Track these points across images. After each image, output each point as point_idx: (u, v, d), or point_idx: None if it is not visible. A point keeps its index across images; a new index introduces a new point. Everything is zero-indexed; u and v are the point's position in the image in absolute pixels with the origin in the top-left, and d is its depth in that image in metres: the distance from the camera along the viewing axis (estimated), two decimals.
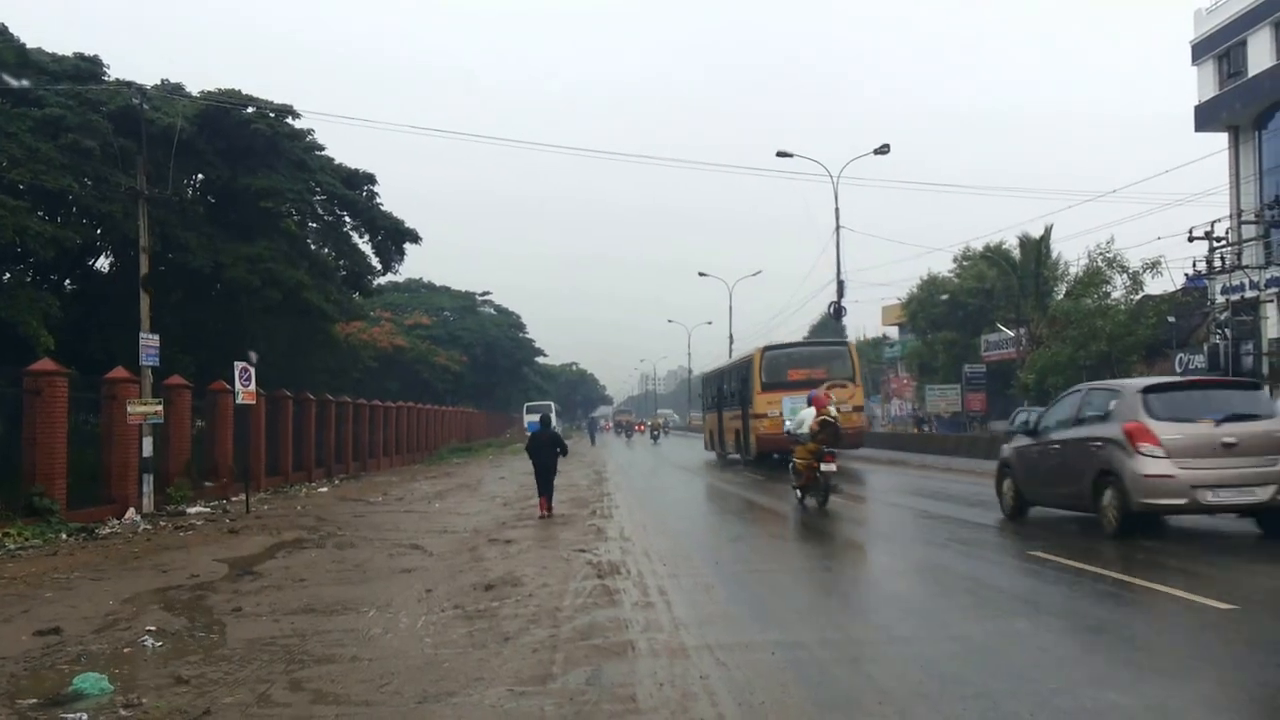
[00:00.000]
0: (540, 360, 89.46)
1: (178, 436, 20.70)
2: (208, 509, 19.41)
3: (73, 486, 16.55)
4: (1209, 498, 10.89)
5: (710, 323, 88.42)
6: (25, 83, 21.73)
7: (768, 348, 30.28)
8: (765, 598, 9.34)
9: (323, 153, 30.05)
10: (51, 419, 16.03)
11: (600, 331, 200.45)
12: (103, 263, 26.73)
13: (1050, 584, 9.42)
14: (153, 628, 8.27)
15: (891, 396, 73.02)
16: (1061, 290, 42.34)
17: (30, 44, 23.00)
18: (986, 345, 48.48)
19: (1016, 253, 45.85)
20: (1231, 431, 10.96)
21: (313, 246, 30.88)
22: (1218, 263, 31.84)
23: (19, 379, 16.05)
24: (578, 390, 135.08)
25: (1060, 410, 13.34)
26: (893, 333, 75.51)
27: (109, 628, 8.40)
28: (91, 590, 10.39)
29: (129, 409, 17.72)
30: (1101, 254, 35.91)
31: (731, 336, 66.36)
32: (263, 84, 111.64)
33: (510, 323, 76.40)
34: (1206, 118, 35.36)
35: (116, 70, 24.69)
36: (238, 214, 26.90)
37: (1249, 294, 31.70)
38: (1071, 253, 68.81)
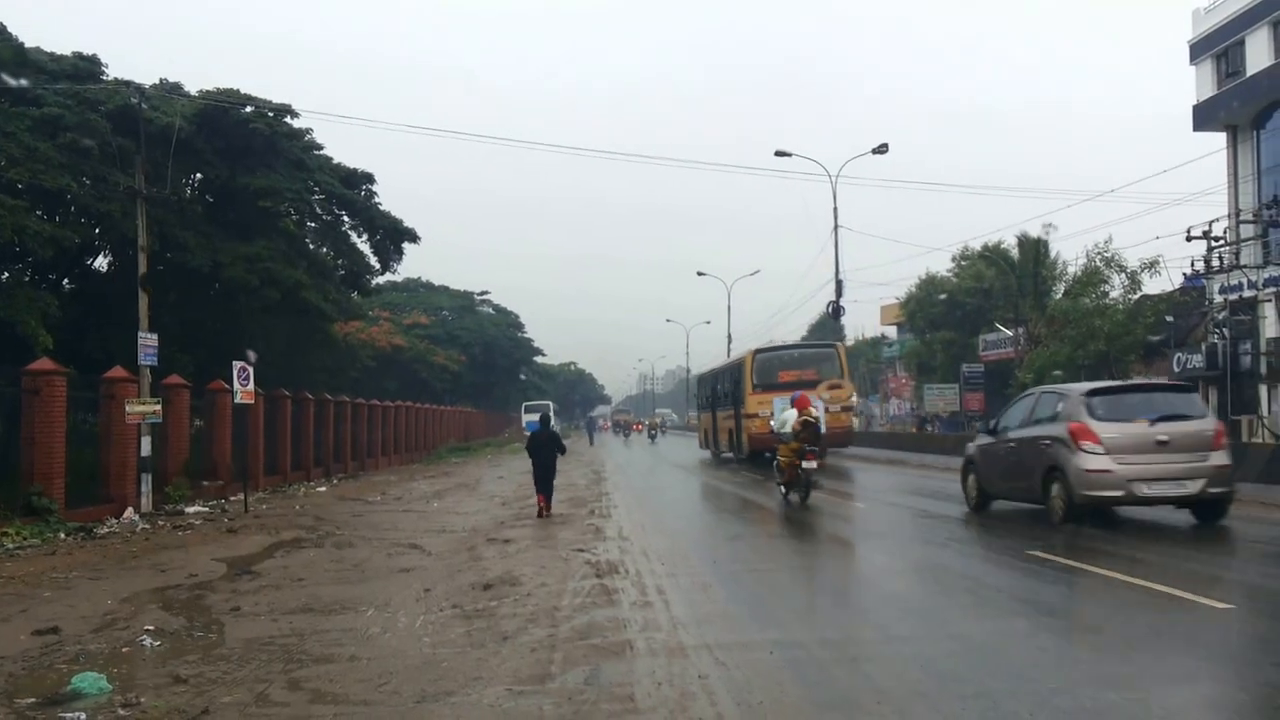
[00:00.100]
0: (539, 360, 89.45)
1: (176, 436, 20.69)
2: (206, 508, 19.40)
3: (71, 486, 16.53)
4: (1144, 490, 11.99)
5: (709, 322, 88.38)
6: (24, 82, 21.71)
7: (759, 350, 31.11)
8: (763, 597, 9.35)
9: (321, 152, 30.07)
10: (50, 418, 16.02)
11: (599, 331, 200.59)
12: (101, 262, 26.77)
13: (1049, 583, 9.43)
14: (151, 627, 8.27)
15: (890, 396, 73.12)
16: (1060, 290, 42.34)
17: (29, 43, 22.98)
18: (985, 345, 48.50)
19: (1015, 252, 45.87)
20: (1165, 430, 12.05)
21: (311, 246, 30.88)
22: (1216, 262, 31.82)
23: (17, 378, 16.04)
24: (576, 390, 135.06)
25: (1016, 412, 14.46)
26: (891, 332, 75.58)
27: (107, 627, 8.40)
28: (90, 590, 10.38)
29: (127, 408, 17.71)
30: (1100, 253, 35.92)
31: (730, 336, 66.36)
32: (262, 84, 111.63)
33: (508, 322, 76.41)
34: (1205, 117, 35.37)
35: (115, 70, 24.72)
36: (236, 213, 26.89)
37: (1247, 293, 31.70)
38: (1070, 252, 68.84)
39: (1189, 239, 31.71)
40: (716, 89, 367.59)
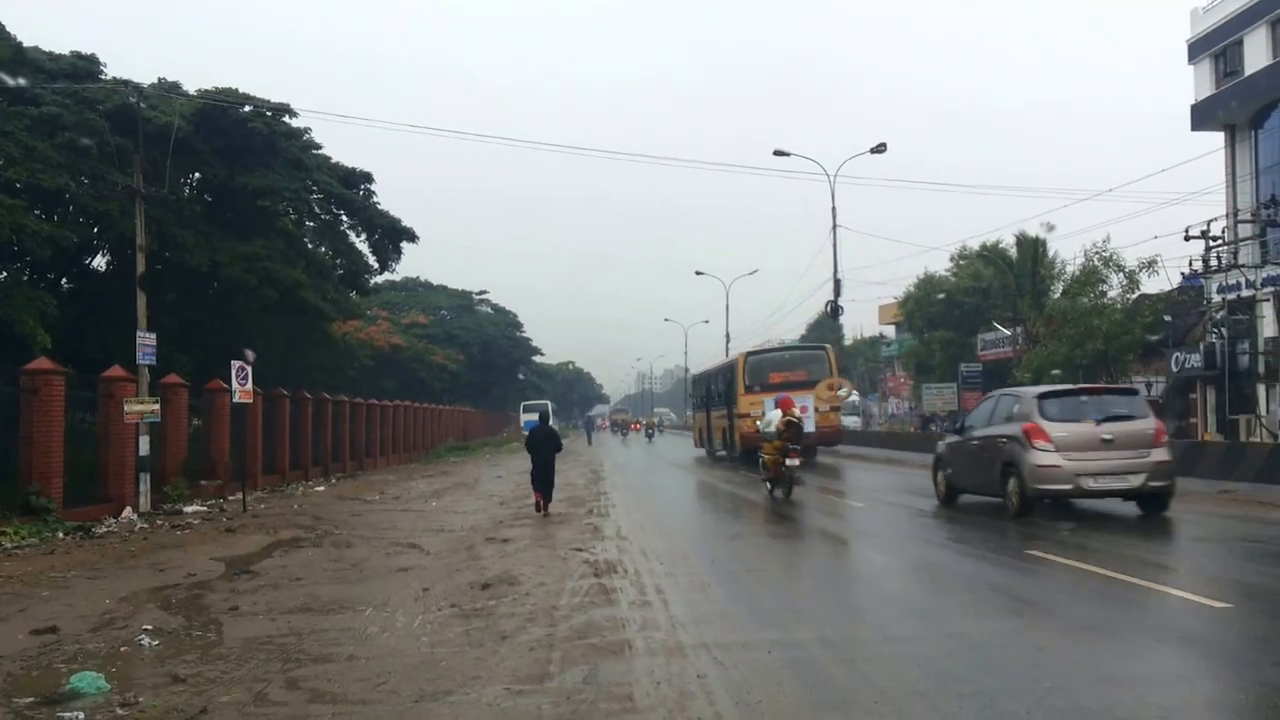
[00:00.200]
0: (537, 359, 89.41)
1: (174, 435, 20.69)
2: (204, 508, 19.40)
3: (69, 485, 16.53)
4: (1090, 484, 13.10)
5: (707, 321, 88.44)
6: (22, 81, 21.70)
7: (751, 352, 32.37)
8: (761, 596, 9.35)
9: (320, 152, 30.07)
10: (48, 418, 16.01)
11: (597, 330, 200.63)
12: (99, 261, 26.77)
13: (1047, 582, 9.45)
14: (149, 626, 8.26)
15: (888, 395, 73.15)
16: (1058, 289, 42.36)
17: (27, 43, 22.97)
18: (983, 344, 48.53)
19: (1013, 252, 45.89)
20: (1110, 430, 13.17)
21: (310, 245, 30.87)
22: (1214, 262, 31.83)
23: (16, 378, 16.03)
24: (574, 389, 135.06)
25: (981, 412, 15.74)
26: (889, 332, 75.64)
27: (106, 626, 8.40)
28: (88, 589, 10.38)
29: (126, 408, 17.71)
30: (1098, 253, 35.94)
31: (728, 335, 66.37)
32: (262, 84, 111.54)
33: (507, 321, 76.37)
34: (1203, 116, 35.37)
35: (114, 69, 24.73)
36: (234, 213, 26.89)
37: (1245, 293, 31.71)
38: (1069, 251, 68.82)
39: (1187, 238, 31.72)
40: (716, 89, 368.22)
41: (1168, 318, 35.96)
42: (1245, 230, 32.14)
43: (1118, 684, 5.83)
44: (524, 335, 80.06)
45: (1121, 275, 35.42)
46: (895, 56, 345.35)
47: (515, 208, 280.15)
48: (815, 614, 8.39)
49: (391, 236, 32.28)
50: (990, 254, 46.91)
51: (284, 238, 28.27)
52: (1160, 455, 13.34)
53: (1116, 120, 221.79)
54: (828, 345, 34.49)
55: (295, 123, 28.23)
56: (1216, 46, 34.83)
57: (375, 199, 31.85)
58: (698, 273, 69.92)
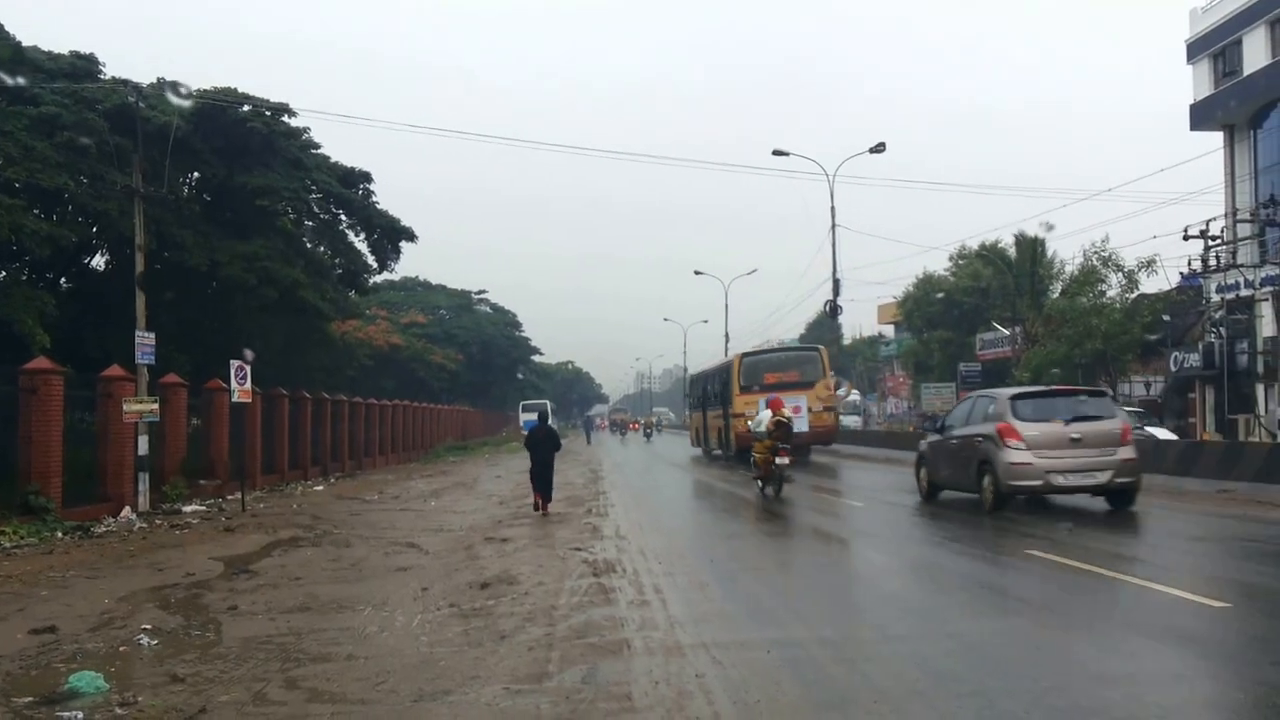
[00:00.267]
0: (536, 359, 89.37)
1: (173, 435, 20.68)
2: (203, 507, 19.39)
3: (68, 485, 16.52)
4: (1059, 480, 13.72)
5: (706, 321, 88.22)
6: (21, 81, 21.69)
7: (745, 354, 33.21)
8: (760, 596, 9.36)
9: (319, 151, 30.06)
10: (47, 417, 16.01)
11: (596, 330, 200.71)
12: (98, 261, 26.76)
13: (1045, 582, 9.45)
14: (148, 626, 8.26)
15: (887, 395, 73.17)
16: (1057, 289, 42.39)
17: (26, 42, 22.97)
18: (982, 344, 48.55)
19: (1012, 252, 45.90)
20: (1078, 429, 13.81)
21: (309, 245, 30.86)
22: (1213, 261, 31.89)
23: (15, 377, 16.02)
24: (573, 389, 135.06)
25: (959, 413, 16.44)
26: (888, 331, 75.68)
27: (104, 626, 8.39)
28: (87, 588, 10.37)
29: (125, 407, 17.70)
30: (1097, 253, 35.96)
31: (727, 335, 66.26)
32: (262, 83, 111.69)
33: (506, 321, 76.34)
34: (1202, 116, 35.40)
35: (113, 69, 24.73)
36: (233, 212, 26.88)
37: (1244, 292, 31.76)
38: (1068, 251, 68.88)
39: (1186, 238, 31.80)
40: (716, 89, 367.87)
41: (1166, 317, 36.01)
42: (1244, 230, 32.19)
43: (1116, 683, 5.83)
44: (523, 335, 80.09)
45: (1120, 275, 35.45)
46: (895, 56, 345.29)
47: (514, 207, 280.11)
48: (813, 613, 8.39)
49: (390, 236, 32.27)
50: (989, 254, 46.92)
51: (283, 237, 28.26)
52: (1127, 453, 13.94)
53: (1116, 120, 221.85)
54: (821, 346, 35.00)
55: (294, 122, 28.30)
56: (1215, 46, 34.86)
57: (374, 198, 31.90)
58: (697, 272, 69.84)
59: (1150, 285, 35.88)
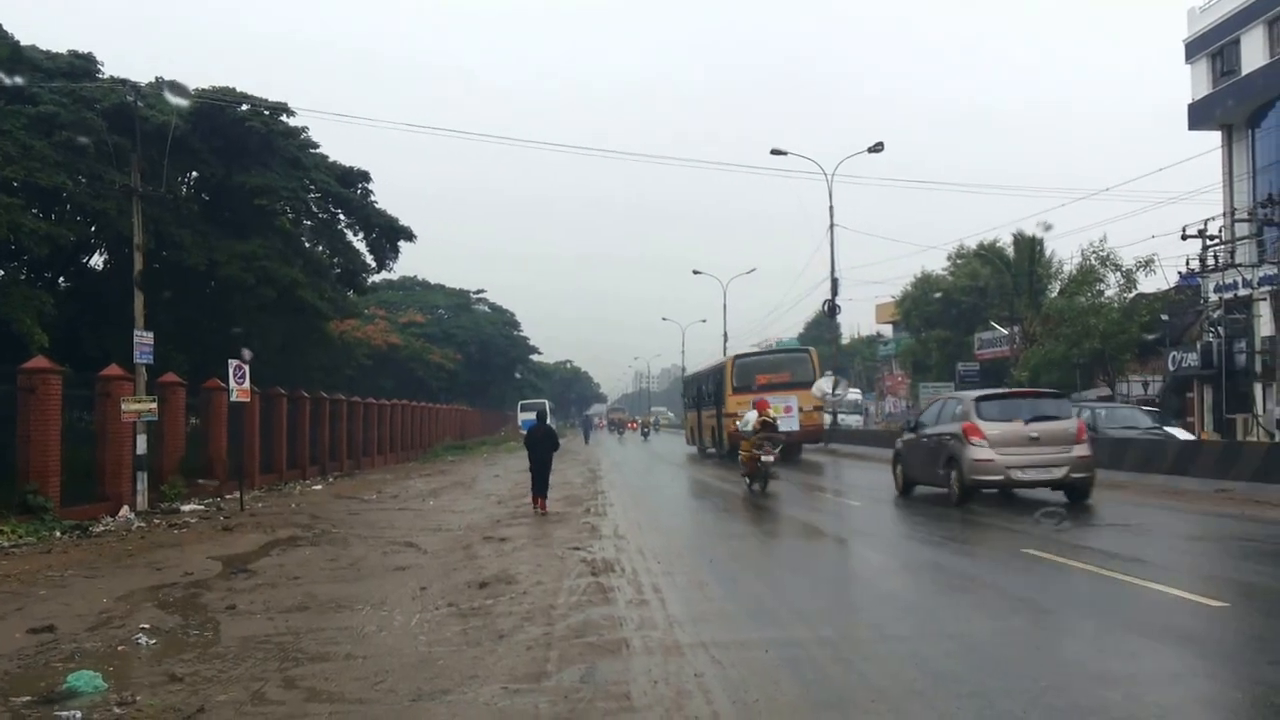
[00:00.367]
0: (534, 358, 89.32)
1: (172, 434, 20.66)
2: (202, 506, 19.38)
3: (67, 484, 16.50)
4: (1018, 475, 14.81)
5: (704, 320, 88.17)
6: (19, 80, 21.65)
7: (738, 356, 35.05)
8: (759, 595, 9.35)
9: (317, 150, 30.01)
10: (45, 416, 15.98)
11: (595, 329, 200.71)
12: (97, 260, 26.70)
13: (1044, 581, 9.46)
14: (147, 625, 8.26)
15: (885, 394, 73.18)
16: (1055, 288, 42.42)
17: (24, 41, 22.92)
18: (980, 343, 48.58)
19: (1010, 251, 45.93)
20: (1036, 428, 14.90)
21: (307, 244, 30.82)
22: (1211, 261, 31.89)
23: (13, 376, 16.00)
24: (572, 388, 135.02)
25: (930, 413, 17.67)
26: (887, 330, 75.69)
27: (103, 625, 8.39)
28: (85, 588, 10.37)
29: (123, 406, 17.68)
30: (1095, 252, 35.98)
31: (726, 335, 66.27)
32: (261, 83, 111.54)
33: (504, 320, 76.27)
34: (1200, 116, 35.42)
35: (112, 69, 24.68)
36: (232, 211, 26.84)
37: (1242, 292, 31.77)
38: (1066, 250, 68.91)
39: (1184, 238, 31.79)
40: (717, 89, 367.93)
41: (1165, 317, 36.03)
42: (1242, 229, 32.20)
43: (1114, 683, 5.84)
44: (521, 334, 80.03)
45: (1119, 274, 35.47)
46: (895, 56, 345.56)
47: (512, 206, 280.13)
48: (812, 612, 8.39)
49: (389, 235, 32.25)
50: (987, 253, 46.96)
51: (281, 237, 28.22)
52: (1081, 451, 14.95)
53: (1115, 120, 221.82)
54: (811, 348, 36.51)
55: (293, 122, 28.25)
56: (1213, 46, 34.89)
57: (373, 198, 31.87)
58: (695, 272, 69.75)
59: (1148, 285, 35.99)
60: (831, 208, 38.78)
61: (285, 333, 30.37)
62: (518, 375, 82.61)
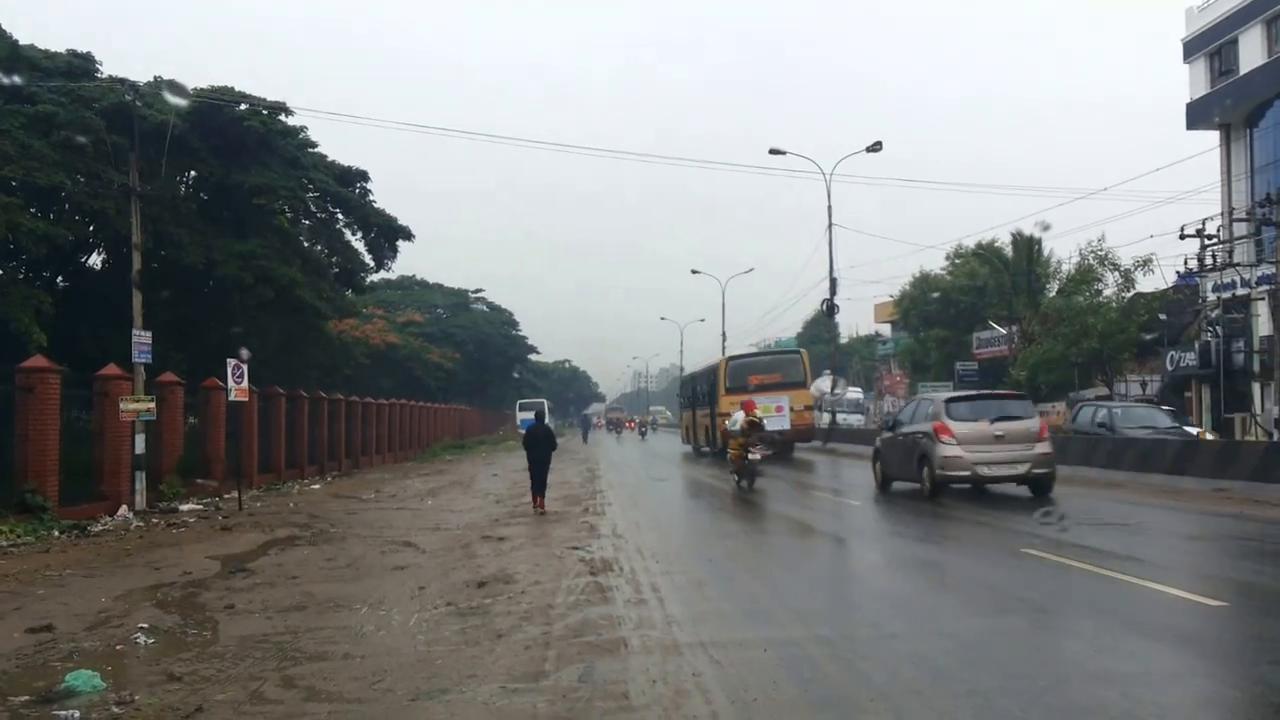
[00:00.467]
0: (533, 358, 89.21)
1: (170, 433, 20.64)
2: (200, 506, 19.37)
3: (65, 483, 16.48)
4: (984, 471, 15.87)
5: (703, 320, 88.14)
6: (17, 79, 21.63)
7: (731, 358, 36.35)
8: (758, 595, 9.35)
9: (316, 150, 29.97)
10: (43, 416, 15.97)
11: (593, 328, 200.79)
12: (95, 260, 26.65)
13: (1042, 581, 9.46)
14: (145, 625, 8.26)
15: (884, 393, 73.16)
16: (1054, 288, 42.44)
17: (23, 40, 22.91)
18: (979, 342, 48.58)
19: (1009, 250, 45.96)
20: (1001, 427, 15.95)
21: (305, 243, 30.78)
22: (1209, 260, 31.88)
23: (11, 376, 15.98)
24: (570, 387, 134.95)
25: (906, 413, 18.79)
26: (885, 330, 75.68)
27: (101, 625, 8.39)
28: (84, 587, 10.37)
29: (121, 406, 17.67)
30: (1093, 252, 35.97)
31: (724, 334, 66.24)
32: (261, 82, 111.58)
33: (503, 320, 76.20)
34: (1198, 115, 35.43)
35: (110, 68, 24.67)
36: (230, 211, 26.82)
37: (1240, 292, 31.77)
38: (1065, 250, 69.03)
39: (1182, 237, 31.74)
40: (716, 88, 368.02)
41: (1163, 316, 36.00)
42: (1240, 229, 32.19)
43: (1113, 682, 5.84)
44: (520, 334, 79.93)
45: (1117, 274, 35.46)
46: (895, 56, 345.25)
47: (512, 205, 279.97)
48: (811, 612, 8.39)
49: (387, 235, 32.22)
50: (986, 253, 46.98)
51: (280, 236, 28.20)
52: (1043, 448, 16.00)
53: (1114, 119, 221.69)
54: (802, 350, 37.74)
55: (291, 121, 28.21)
56: (1212, 45, 34.90)
57: (371, 197, 31.84)
58: (693, 271, 69.74)
59: (1147, 284, 35.94)
60: (830, 207, 39.03)
61: (284, 332, 30.36)
62: (516, 375, 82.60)
